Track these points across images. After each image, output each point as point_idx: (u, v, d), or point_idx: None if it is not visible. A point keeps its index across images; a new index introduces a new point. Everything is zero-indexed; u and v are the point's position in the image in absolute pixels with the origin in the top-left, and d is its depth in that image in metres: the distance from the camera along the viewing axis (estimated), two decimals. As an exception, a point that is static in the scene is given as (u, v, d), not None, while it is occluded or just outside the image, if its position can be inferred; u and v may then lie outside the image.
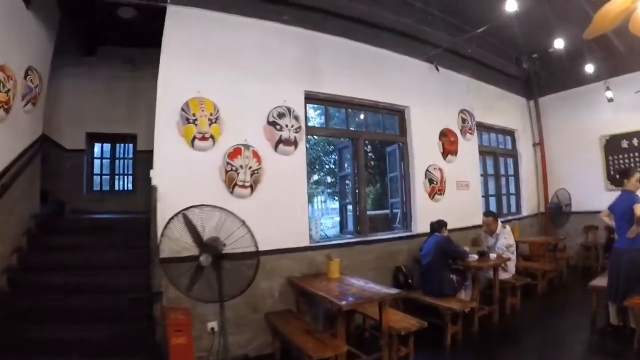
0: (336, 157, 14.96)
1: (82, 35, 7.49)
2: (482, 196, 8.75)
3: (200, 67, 5.14)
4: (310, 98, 5.94)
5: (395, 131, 7.20)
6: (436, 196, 7.26)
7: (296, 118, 5.52)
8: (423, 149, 7.21)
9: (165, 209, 4.53)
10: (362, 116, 7.76)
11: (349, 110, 6.60)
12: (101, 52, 8.11)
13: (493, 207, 9.12)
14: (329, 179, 21.44)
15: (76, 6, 6.29)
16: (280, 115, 5.40)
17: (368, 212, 6.73)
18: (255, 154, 5.16)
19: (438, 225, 6.08)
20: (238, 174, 5.02)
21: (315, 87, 5.89)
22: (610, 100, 8.78)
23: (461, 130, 8.04)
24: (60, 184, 7.66)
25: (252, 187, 5.12)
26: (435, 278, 5.69)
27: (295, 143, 5.47)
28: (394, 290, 4.50)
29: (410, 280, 6.23)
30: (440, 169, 7.40)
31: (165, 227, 4.03)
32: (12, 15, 4.83)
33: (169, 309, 4.40)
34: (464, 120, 8.14)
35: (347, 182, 7.31)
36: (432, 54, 7.33)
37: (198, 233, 4.07)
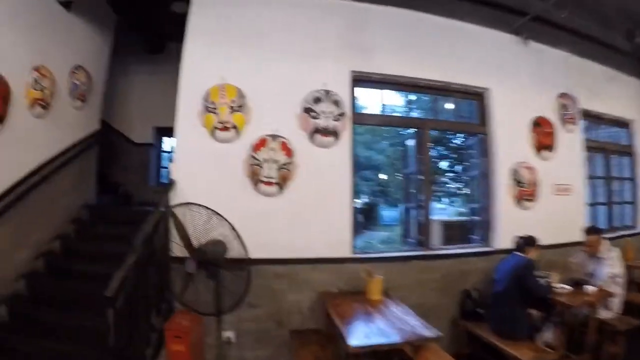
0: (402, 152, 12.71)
1: (148, 33, 7.19)
2: (588, 204, 6.49)
3: (224, 51, 4.33)
4: (360, 80, 4.73)
5: (474, 119, 5.60)
6: (525, 202, 5.41)
7: (336, 103, 4.37)
8: (509, 142, 5.44)
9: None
10: (432, 102, 6.17)
11: (411, 95, 5.27)
12: (168, 48, 7.69)
13: (602, 219, 6.88)
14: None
15: (131, 6, 6.09)
16: (316, 101, 4.32)
17: (444, 219, 5.42)
18: (285, 146, 4.16)
19: (523, 243, 4.38)
20: (262, 168, 4.07)
21: (366, 66, 4.68)
22: None
23: (561, 119, 6.04)
24: (130, 176, 7.76)
25: (280, 185, 4.12)
26: (506, 313, 4.08)
27: (335, 133, 4.33)
28: (431, 333, 3.09)
29: (480, 310, 4.64)
30: (531, 168, 5.52)
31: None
32: (51, 19, 4.87)
33: (177, 312, 3.74)
34: (564, 107, 6.09)
35: (412, 180, 5.79)
36: (518, 24, 5.66)
37: (186, 234, 3.37)
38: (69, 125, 5.28)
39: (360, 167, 17.37)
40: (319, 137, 4.25)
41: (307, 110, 4.26)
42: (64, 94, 5.11)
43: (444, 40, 5.14)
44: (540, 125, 5.72)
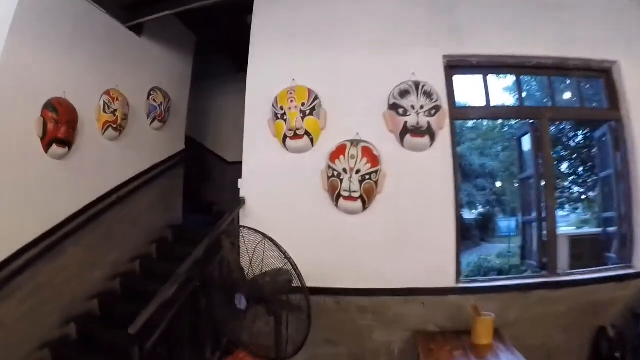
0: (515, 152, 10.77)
1: (231, 51, 6.87)
2: None
3: (293, 50, 3.69)
4: (456, 66, 3.71)
5: (601, 104, 4.17)
6: None
7: (428, 95, 3.36)
8: None
9: (253, 225, 3.12)
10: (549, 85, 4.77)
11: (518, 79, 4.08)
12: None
13: None
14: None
15: (207, 25, 5.72)
16: (404, 94, 3.36)
17: (570, 233, 4.19)
18: (368, 153, 3.24)
19: None
20: (341, 180, 3.22)
21: (461, 49, 3.65)
22: None
23: None
24: (225, 196, 7.19)
25: (364, 199, 3.22)
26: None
27: (430, 132, 3.32)
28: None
29: (619, 354, 3.21)
30: None
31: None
32: (122, 44, 4.73)
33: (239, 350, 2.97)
34: None
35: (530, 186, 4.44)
36: None
37: (237, 262, 2.71)
38: (148, 146, 5.07)
39: (474, 175, 15.90)
40: (410, 139, 3.29)
41: (394, 107, 3.34)
42: (141, 116, 4.90)
43: (554, 7, 3.95)
44: None
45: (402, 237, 3.30)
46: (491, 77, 4.06)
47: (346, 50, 3.60)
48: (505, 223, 17.95)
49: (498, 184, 17.88)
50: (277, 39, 3.73)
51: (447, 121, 3.42)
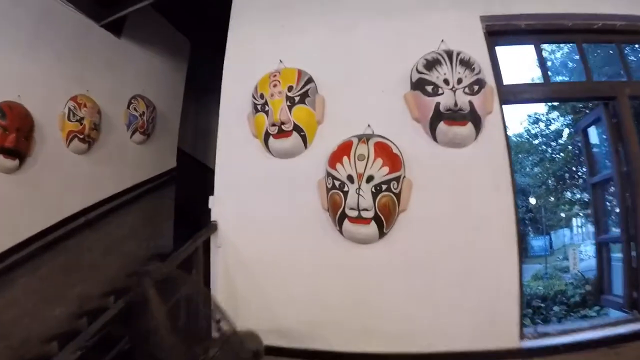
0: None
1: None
2: None
3: (281, 27, 2.60)
4: (498, 33, 2.51)
5: None
6: None
7: (466, 64, 2.18)
8: None
9: (228, 259, 2.23)
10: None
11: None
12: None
13: None
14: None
15: (199, 29, 4.77)
16: (431, 65, 2.19)
17: None
18: (383, 150, 2.06)
19: None
20: (346, 193, 2.04)
21: (504, 7, 2.47)
22: None
23: None
24: None
25: (381, 221, 2.02)
26: None
27: (474, 117, 2.13)
28: None
29: None
30: None
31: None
32: (97, 46, 3.92)
33: None
34: None
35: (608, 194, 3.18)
36: None
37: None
38: (128, 162, 4.13)
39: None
40: (445, 128, 2.09)
41: (419, 85, 2.18)
42: (118, 128, 4.01)
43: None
44: None
45: (437, 276, 2.09)
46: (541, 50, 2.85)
47: (351, 19, 2.51)
48: (539, 242, 16.31)
49: (532, 201, 16.19)
50: (262, 11, 2.68)
51: (496, 102, 2.23)
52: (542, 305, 6.43)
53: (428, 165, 2.13)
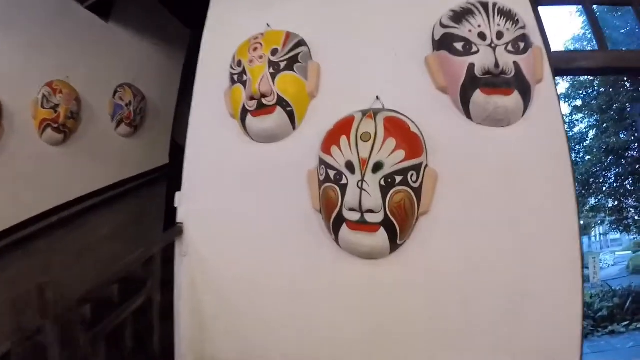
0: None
1: None
2: None
3: None
4: None
5: None
6: None
7: (507, 16, 1.52)
8: None
9: (195, 270, 1.71)
10: None
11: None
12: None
13: None
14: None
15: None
16: (461, 17, 1.53)
17: None
18: (397, 129, 1.41)
19: None
20: (343, 188, 1.40)
21: None
22: None
23: None
24: None
25: (393, 226, 1.37)
26: None
27: (521, 83, 1.46)
28: None
29: None
30: None
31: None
32: (80, 30, 3.47)
33: None
34: None
35: None
36: None
37: None
38: (112, 156, 3.53)
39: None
40: (482, 98, 1.43)
41: (445, 43, 1.54)
42: (102, 119, 3.44)
43: None
44: None
45: (473, 305, 1.41)
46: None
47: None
48: None
49: None
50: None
51: (547, 67, 1.57)
52: None
53: (459, 150, 1.48)
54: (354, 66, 1.70)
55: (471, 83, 1.46)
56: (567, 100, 10.17)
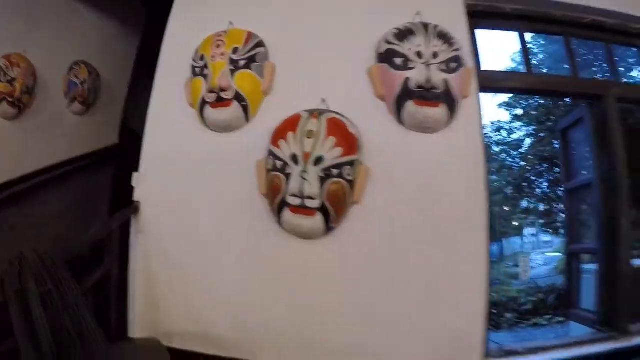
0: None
1: None
2: None
3: None
4: (480, 14, 2.14)
5: None
6: None
7: (445, 38, 1.80)
8: None
9: (150, 248, 1.82)
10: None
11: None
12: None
13: None
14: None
15: None
16: (404, 35, 1.79)
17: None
18: (338, 129, 1.65)
19: None
20: (288, 176, 1.63)
21: None
22: None
23: None
24: None
25: (329, 213, 1.60)
26: None
27: (449, 98, 1.73)
28: None
29: None
30: None
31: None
32: (42, 3, 3.34)
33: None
34: None
35: (585, 201, 2.67)
36: None
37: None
38: (64, 134, 3.46)
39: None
40: (414, 108, 1.68)
41: (387, 57, 1.78)
42: (56, 96, 3.35)
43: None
44: None
45: (393, 284, 1.67)
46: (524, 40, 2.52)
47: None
48: (491, 248, 16.16)
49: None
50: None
51: (474, 86, 1.84)
52: (494, 311, 6.18)
53: (390, 151, 1.73)
54: (305, 69, 1.89)
55: (405, 94, 1.69)
56: (508, 108, 10.92)
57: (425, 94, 1.67)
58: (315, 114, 1.68)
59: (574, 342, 2.17)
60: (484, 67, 2.19)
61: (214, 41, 1.89)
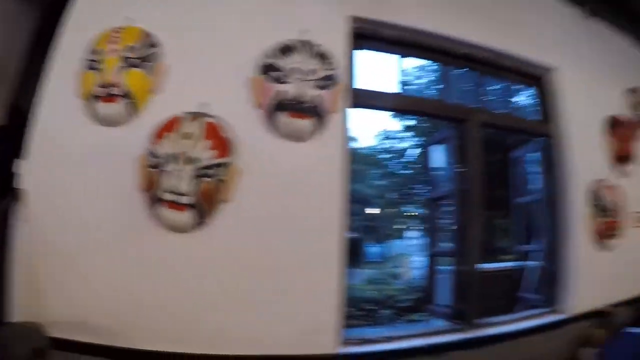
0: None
1: None
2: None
3: None
4: (364, 36, 2.43)
5: (532, 115, 3.30)
6: (609, 240, 3.13)
7: (322, 58, 2.07)
8: (585, 150, 3.16)
9: (33, 236, 1.85)
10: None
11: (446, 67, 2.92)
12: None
13: None
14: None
15: None
16: (284, 52, 2.03)
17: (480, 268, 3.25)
18: (214, 132, 1.83)
19: None
20: (165, 174, 1.77)
21: (376, 13, 2.42)
22: None
23: (636, 121, 3.68)
24: None
25: (200, 209, 1.78)
26: None
27: (318, 112, 2.01)
28: None
29: None
30: (613, 188, 3.25)
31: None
32: None
33: None
34: (638, 106, 3.82)
35: (444, 211, 3.12)
36: None
37: None
38: None
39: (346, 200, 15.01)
40: (285, 119, 1.93)
41: (267, 70, 1.99)
42: None
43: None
44: (617, 127, 3.46)
45: (259, 276, 1.89)
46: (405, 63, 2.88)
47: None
48: (376, 249, 17.55)
49: (371, 210, 17.40)
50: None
51: (343, 101, 2.10)
52: (374, 308, 6.74)
53: (262, 155, 1.93)
54: (193, 72, 2.01)
55: (280, 106, 1.92)
56: (400, 118, 11.76)
57: (297, 107, 1.90)
58: (195, 117, 1.83)
59: (427, 332, 2.54)
60: (367, 86, 2.44)
61: (110, 36, 1.97)
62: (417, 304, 6.41)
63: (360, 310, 6.29)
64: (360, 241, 17.42)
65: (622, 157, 3.45)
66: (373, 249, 17.78)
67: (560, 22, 3.41)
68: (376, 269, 11.41)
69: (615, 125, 3.47)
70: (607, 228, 3.16)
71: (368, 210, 17.39)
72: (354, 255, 17.05)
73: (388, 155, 14.57)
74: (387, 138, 14.76)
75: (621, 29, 3.97)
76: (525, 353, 2.61)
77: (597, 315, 2.89)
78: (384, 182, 15.09)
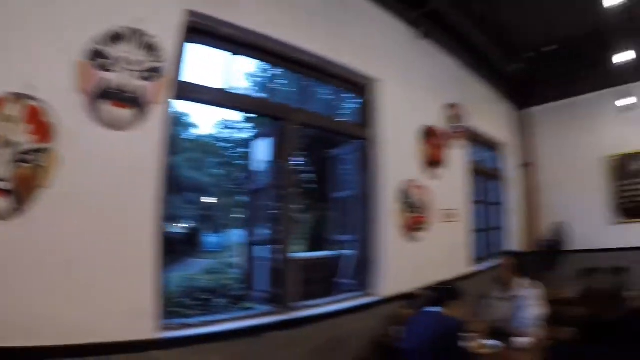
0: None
1: None
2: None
3: None
4: (198, 31, 2.94)
5: (354, 119, 4.35)
6: (416, 233, 4.50)
7: (150, 49, 2.52)
8: (399, 154, 4.40)
9: None
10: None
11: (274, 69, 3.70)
12: None
13: (481, 247, 6.30)
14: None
15: None
16: (113, 39, 2.39)
17: (299, 257, 4.20)
18: (35, 117, 2.08)
19: (447, 295, 3.10)
20: None
21: (212, 9, 2.93)
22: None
23: (450, 132, 5.38)
24: None
25: (19, 195, 2.02)
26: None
27: (138, 102, 2.45)
28: None
29: None
30: (422, 188, 4.66)
31: None
32: None
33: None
34: (453, 119, 5.49)
35: (264, 202, 3.81)
36: (418, 15, 4.75)
37: None
38: None
39: (182, 187, 16.43)
40: (107, 107, 2.32)
41: (94, 56, 2.32)
42: None
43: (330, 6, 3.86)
44: (432, 136, 4.91)
45: (77, 264, 2.23)
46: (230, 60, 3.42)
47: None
48: (213, 239, 19.42)
49: (207, 199, 19.09)
50: None
51: (166, 93, 2.61)
52: (209, 297, 7.60)
53: (83, 142, 2.28)
54: (18, 51, 2.16)
55: (103, 94, 2.33)
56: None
57: (119, 96, 2.36)
58: (17, 98, 2.07)
59: (246, 316, 3.18)
60: (195, 80, 2.98)
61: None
62: (247, 292, 7.24)
63: (195, 300, 7.00)
64: (198, 231, 18.62)
65: (433, 162, 4.72)
66: (211, 239, 19.14)
67: (394, 40, 4.69)
68: (213, 259, 11.90)
69: (429, 134, 4.84)
70: (414, 222, 4.37)
71: (205, 200, 18.66)
72: (192, 244, 17.90)
73: (227, 145, 15.98)
74: (227, 127, 16.22)
75: (450, 51, 5.39)
76: (342, 331, 3.60)
77: (406, 298, 3.94)
78: (221, 171, 16.45)
